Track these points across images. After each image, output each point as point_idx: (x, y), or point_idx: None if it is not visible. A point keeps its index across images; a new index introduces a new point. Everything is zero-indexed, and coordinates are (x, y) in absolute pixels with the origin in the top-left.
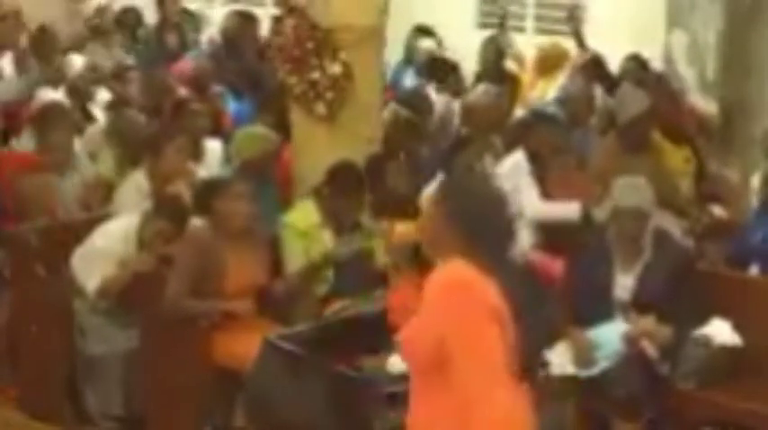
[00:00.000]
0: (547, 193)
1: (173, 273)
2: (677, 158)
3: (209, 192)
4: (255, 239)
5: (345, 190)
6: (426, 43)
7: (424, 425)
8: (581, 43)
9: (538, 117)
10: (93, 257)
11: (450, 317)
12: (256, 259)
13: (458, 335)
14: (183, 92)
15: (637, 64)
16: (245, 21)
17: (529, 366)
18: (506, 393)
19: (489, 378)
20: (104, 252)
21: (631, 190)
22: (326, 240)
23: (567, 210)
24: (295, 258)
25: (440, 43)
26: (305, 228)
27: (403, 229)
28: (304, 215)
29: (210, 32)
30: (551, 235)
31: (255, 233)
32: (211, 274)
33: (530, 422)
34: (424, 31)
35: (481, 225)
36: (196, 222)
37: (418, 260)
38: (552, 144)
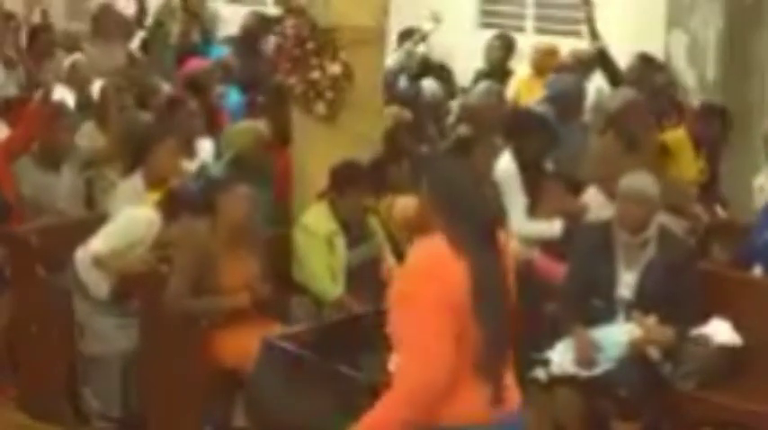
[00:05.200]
0: (535, 203)
1: (172, 272)
2: (692, 169)
3: (214, 190)
4: (250, 235)
5: (348, 187)
6: (420, 49)
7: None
8: (594, 34)
9: (530, 120)
10: (113, 231)
11: (403, 307)
12: (251, 254)
13: (403, 327)
14: (167, 89)
15: (643, 63)
16: (264, 21)
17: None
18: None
19: (416, 372)
20: (126, 231)
21: (637, 178)
22: (341, 248)
23: (550, 228)
24: (317, 263)
25: (424, 38)
26: (325, 234)
27: (403, 202)
28: (323, 221)
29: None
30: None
31: (250, 229)
32: (208, 271)
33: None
34: (408, 34)
35: (454, 205)
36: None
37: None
38: (542, 149)
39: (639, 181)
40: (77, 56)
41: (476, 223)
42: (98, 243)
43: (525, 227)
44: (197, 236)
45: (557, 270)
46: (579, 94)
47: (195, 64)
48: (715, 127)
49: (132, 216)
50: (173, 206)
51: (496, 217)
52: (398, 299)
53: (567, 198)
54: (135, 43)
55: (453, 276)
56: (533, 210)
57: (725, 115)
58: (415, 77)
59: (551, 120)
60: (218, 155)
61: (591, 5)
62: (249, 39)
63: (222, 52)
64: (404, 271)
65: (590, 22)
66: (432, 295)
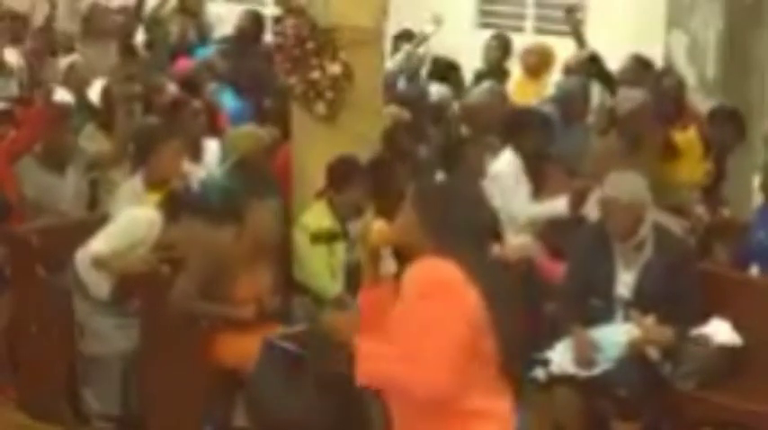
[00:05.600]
0: (539, 190)
1: (183, 272)
2: (698, 170)
3: (244, 204)
4: (271, 249)
5: (345, 184)
6: (422, 50)
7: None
8: (580, 41)
9: (529, 117)
10: (114, 232)
11: (427, 317)
12: (267, 269)
13: (427, 330)
14: (172, 89)
15: (638, 64)
16: (258, 21)
17: (509, 364)
18: (449, 378)
19: (441, 362)
20: (126, 231)
21: (622, 182)
22: (340, 246)
23: (556, 206)
24: (316, 261)
25: (425, 40)
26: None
27: (381, 227)
28: (320, 218)
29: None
30: (552, 239)
31: (272, 243)
32: (223, 279)
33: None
34: (403, 36)
35: (451, 227)
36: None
37: (396, 259)
38: (540, 146)
39: (617, 187)
40: (75, 57)
41: (472, 242)
42: (98, 244)
43: (530, 209)
44: (216, 244)
45: (557, 270)
46: (584, 97)
47: (183, 64)
48: (726, 130)
49: (133, 216)
50: (174, 207)
51: (492, 232)
52: (417, 305)
53: (571, 181)
54: (138, 39)
55: (468, 294)
56: (538, 197)
57: (737, 119)
58: (417, 78)
59: (551, 118)
60: (221, 159)
61: (575, 14)
62: (244, 39)
63: (205, 51)
64: (418, 284)
65: (575, 30)
66: (453, 307)
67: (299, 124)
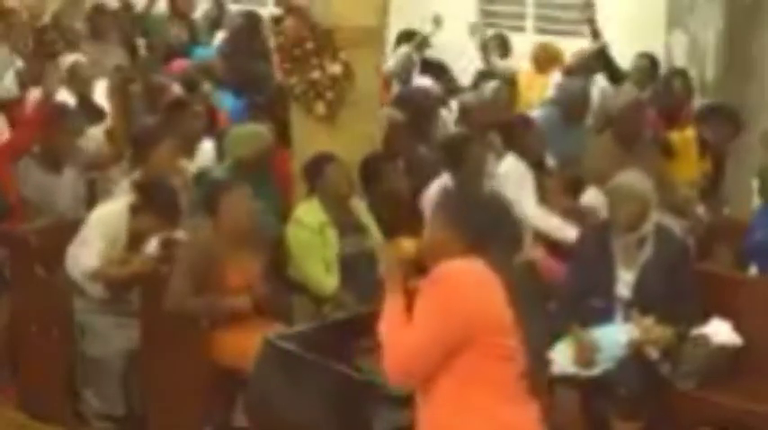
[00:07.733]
0: (540, 201)
1: (174, 272)
2: (695, 170)
3: (216, 192)
4: (254, 237)
5: (316, 177)
6: (402, 49)
7: (431, 404)
8: (595, 33)
9: (521, 123)
10: (91, 239)
11: (423, 302)
12: (254, 257)
13: (419, 313)
14: (176, 89)
15: (647, 62)
16: (251, 21)
17: (533, 368)
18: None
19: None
20: (100, 231)
21: (625, 176)
22: (333, 239)
23: (566, 232)
24: (310, 256)
25: (426, 41)
26: (317, 226)
27: (407, 244)
28: (313, 213)
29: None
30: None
31: (254, 231)
32: (211, 272)
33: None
34: (406, 36)
35: (483, 231)
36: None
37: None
38: (537, 154)
39: (627, 179)
40: (77, 57)
41: (501, 246)
42: (87, 259)
43: (541, 219)
44: (201, 237)
45: (558, 270)
46: (585, 98)
47: (179, 65)
48: (722, 129)
49: (99, 216)
50: (142, 198)
51: (518, 238)
52: (425, 289)
53: (568, 199)
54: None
55: (480, 293)
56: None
57: (731, 117)
58: (410, 80)
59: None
60: (220, 156)
61: (592, 7)
62: (238, 39)
63: (205, 52)
64: (434, 271)
65: (591, 22)
66: (451, 300)
67: (298, 124)
